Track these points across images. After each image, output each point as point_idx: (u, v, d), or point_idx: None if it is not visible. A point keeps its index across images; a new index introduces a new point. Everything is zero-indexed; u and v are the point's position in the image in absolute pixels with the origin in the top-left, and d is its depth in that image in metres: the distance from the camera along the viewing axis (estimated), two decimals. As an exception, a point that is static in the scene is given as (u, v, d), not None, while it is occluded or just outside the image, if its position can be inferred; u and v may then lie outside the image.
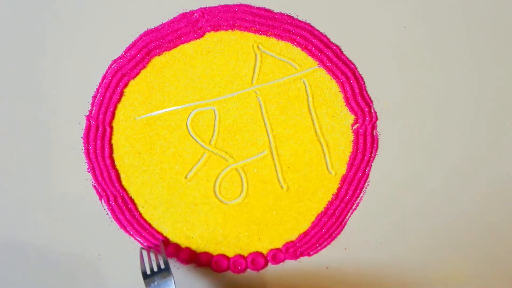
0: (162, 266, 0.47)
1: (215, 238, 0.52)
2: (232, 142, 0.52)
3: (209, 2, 0.52)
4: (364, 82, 0.52)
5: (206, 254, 0.52)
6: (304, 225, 0.52)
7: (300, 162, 0.52)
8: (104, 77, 0.52)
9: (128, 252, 0.51)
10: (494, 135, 0.52)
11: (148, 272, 0.47)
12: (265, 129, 0.52)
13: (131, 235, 0.51)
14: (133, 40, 0.52)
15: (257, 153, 0.52)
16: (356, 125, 0.52)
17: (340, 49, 0.52)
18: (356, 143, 0.52)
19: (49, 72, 0.52)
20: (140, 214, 0.52)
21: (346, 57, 0.52)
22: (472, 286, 0.52)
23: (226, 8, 0.52)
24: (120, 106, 0.52)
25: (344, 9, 0.53)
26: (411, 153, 0.52)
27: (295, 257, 0.51)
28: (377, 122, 0.52)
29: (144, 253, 0.49)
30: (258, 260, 0.51)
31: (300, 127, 0.52)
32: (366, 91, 0.52)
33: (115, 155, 0.52)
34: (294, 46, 0.53)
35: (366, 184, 0.52)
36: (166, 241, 0.51)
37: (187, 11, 0.52)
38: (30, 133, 0.51)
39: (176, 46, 0.52)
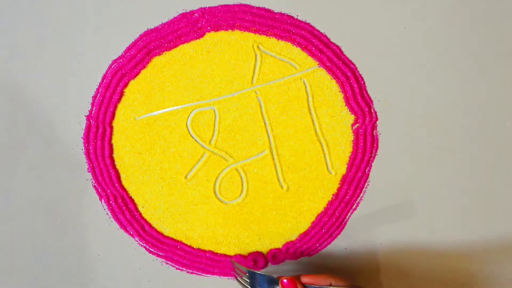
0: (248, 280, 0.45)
1: (215, 238, 0.52)
2: (232, 142, 0.52)
3: (209, 2, 0.52)
4: (364, 82, 0.52)
5: (206, 254, 0.52)
6: (304, 225, 0.52)
7: (300, 162, 0.52)
8: (104, 77, 0.52)
9: (128, 252, 0.51)
10: (494, 135, 0.52)
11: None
12: (265, 129, 0.52)
13: (131, 235, 0.51)
14: (133, 40, 0.52)
15: (257, 153, 0.52)
16: (356, 125, 0.52)
17: (340, 49, 0.52)
18: (356, 143, 0.52)
19: (49, 72, 0.52)
20: (140, 214, 0.52)
21: (346, 57, 0.52)
22: (472, 286, 0.52)
23: (226, 8, 0.52)
24: (120, 106, 0.52)
25: (344, 9, 0.53)
26: (411, 153, 0.52)
27: (295, 257, 0.51)
28: (377, 122, 0.52)
29: (240, 279, 0.47)
30: (258, 260, 0.51)
31: (300, 127, 0.52)
32: (366, 91, 0.52)
33: (115, 155, 0.52)
34: (294, 46, 0.53)
35: (366, 184, 0.52)
36: (237, 257, 0.51)
37: (187, 11, 0.52)
38: (30, 133, 0.51)
39: (176, 46, 0.52)
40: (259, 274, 0.43)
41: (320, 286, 0.42)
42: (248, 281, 0.44)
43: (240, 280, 0.46)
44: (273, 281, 0.43)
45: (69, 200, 0.51)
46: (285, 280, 0.42)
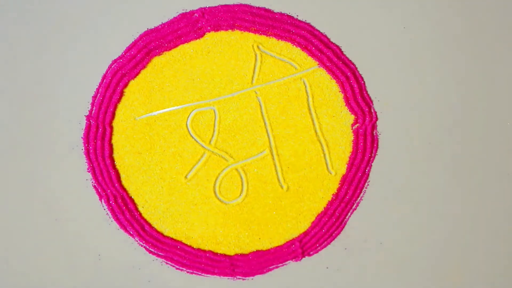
0: None
1: (215, 238, 0.52)
2: (232, 142, 0.52)
3: (209, 2, 0.52)
4: (364, 82, 0.52)
5: (206, 254, 0.52)
6: (304, 225, 0.52)
7: (300, 162, 0.52)
8: (104, 77, 0.52)
9: (128, 252, 0.51)
10: (494, 135, 0.52)
11: None
12: (265, 129, 0.52)
13: (131, 235, 0.51)
14: (133, 40, 0.52)
15: (257, 153, 0.52)
16: (356, 125, 0.52)
17: (340, 49, 0.52)
18: (356, 143, 0.52)
19: (49, 72, 0.52)
20: (140, 214, 0.52)
21: (346, 57, 0.52)
22: (472, 286, 0.52)
23: (226, 8, 0.52)
24: (120, 106, 0.52)
25: (344, 9, 0.53)
26: (411, 153, 0.52)
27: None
28: (377, 122, 0.52)
29: None
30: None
31: (300, 127, 0.52)
32: (366, 91, 0.52)
33: (115, 155, 0.52)
34: (294, 46, 0.53)
35: (366, 184, 0.52)
36: None
37: (187, 11, 0.52)
38: (30, 133, 0.51)
39: (176, 46, 0.52)
40: None
41: None
42: None
43: None
44: None
45: (69, 200, 0.51)
46: None
